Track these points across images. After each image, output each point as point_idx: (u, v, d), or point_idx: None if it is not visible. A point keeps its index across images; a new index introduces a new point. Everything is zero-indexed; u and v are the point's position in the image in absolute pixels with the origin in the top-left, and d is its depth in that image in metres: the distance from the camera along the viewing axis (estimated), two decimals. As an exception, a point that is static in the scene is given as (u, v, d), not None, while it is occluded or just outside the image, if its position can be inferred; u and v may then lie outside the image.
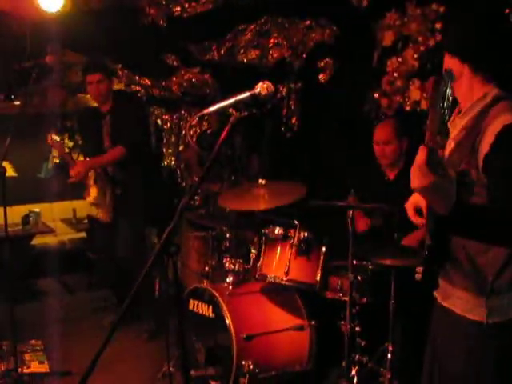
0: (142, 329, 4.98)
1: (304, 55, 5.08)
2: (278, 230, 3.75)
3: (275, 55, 5.11)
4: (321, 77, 5.00)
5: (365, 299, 3.69)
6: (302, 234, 3.65)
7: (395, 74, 4.49)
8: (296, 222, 3.65)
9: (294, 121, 5.24)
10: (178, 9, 4.78)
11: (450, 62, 2.25)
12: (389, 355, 3.54)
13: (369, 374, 3.68)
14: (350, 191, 3.58)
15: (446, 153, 2.31)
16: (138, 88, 5.77)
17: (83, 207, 7.04)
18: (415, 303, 3.62)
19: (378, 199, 3.86)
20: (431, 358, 2.47)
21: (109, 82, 4.75)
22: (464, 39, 2.28)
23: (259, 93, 2.29)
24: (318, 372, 3.92)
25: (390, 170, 4.04)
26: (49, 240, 7.07)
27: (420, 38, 4.32)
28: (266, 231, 3.81)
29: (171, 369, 3.97)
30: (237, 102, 2.32)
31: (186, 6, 4.74)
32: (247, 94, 2.30)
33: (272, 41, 5.08)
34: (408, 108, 4.45)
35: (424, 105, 4.34)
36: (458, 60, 2.22)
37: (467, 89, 2.23)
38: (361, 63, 4.74)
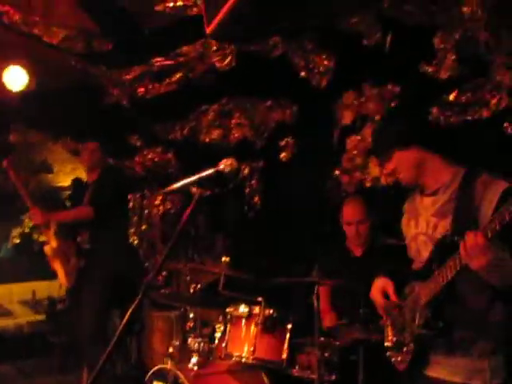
0: None
1: (265, 135, 5.18)
2: (242, 308, 3.69)
3: (237, 135, 5.20)
4: (282, 156, 5.09)
5: (333, 376, 3.64)
6: (266, 311, 3.61)
7: (355, 152, 4.60)
8: (260, 299, 3.62)
9: (256, 200, 5.29)
10: (142, 89, 4.88)
11: (404, 156, 2.36)
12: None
13: None
14: (314, 267, 3.57)
15: (429, 229, 2.36)
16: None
17: (43, 289, 6.88)
18: (385, 377, 3.60)
19: (344, 276, 3.86)
20: None
21: (101, 153, 4.88)
22: (417, 127, 2.44)
23: (223, 169, 2.34)
24: None
25: (357, 248, 4.02)
26: (6, 323, 6.84)
27: (377, 117, 4.46)
28: (231, 309, 3.76)
29: None
30: (201, 179, 2.35)
31: (150, 86, 4.84)
32: (211, 170, 2.34)
33: (234, 121, 5.19)
34: (368, 184, 4.54)
35: (383, 180, 4.44)
36: (417, 149, 2.33)
37: (434, 172, 2.37)
38: (321, 141, 4.85)
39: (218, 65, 4.64)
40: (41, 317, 6.84)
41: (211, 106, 5.12)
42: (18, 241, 7.77)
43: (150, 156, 5.60)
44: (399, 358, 2.40)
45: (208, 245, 5.44)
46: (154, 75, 4.76)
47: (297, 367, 3.68)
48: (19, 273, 7.23)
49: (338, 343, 3.67)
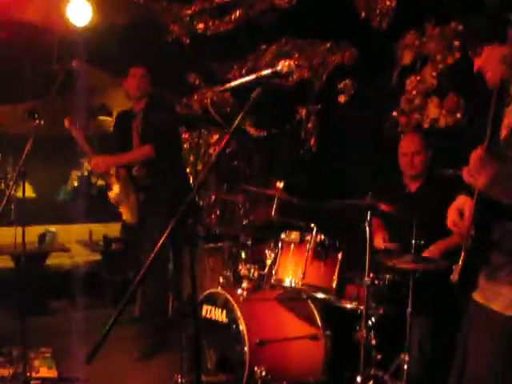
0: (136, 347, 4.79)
1: (324, 77, 5.14)
2: (294, 234, 3.71)
3: (295, 76, 5.17)
4: (340, 98, 5.04)
5: (381, 310, 3.62)
6: (318, 237, 3.62)
7: (414, 92, 4.53)
8: (313, 226, 3.62)
9: (312, 142, 5.27)
10: (201, 26, 4.89)
11: (495, 53, 2.17)
12: (405, 366, 3.45)
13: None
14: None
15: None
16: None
17: (100, 230, 7.06)
18: (434, 311, 3.58)
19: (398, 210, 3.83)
20: (461, 361, 2.38)
21: (149, 79, 4.74)
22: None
23: (281, 70, 2.33)
24: (333, 384, 3.81)
25: (413, 182, 4.01)
26: (64, 261, 7.08)
27: (438, 56, 4.37)
28: (283, 236, 3.78)
29: (183, 380, 3.88)
30: (258, 79, 2.35)
31: (210, 23, 4.86)
32: (269, 70, 2.34)
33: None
34: (426, 126, 4.46)
35: (442, 122, 4.36)
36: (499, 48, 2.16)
37: None
38: (380, 83, 4.78)
39: (277, 2, 4.61)
40: (96, 257, 7.04)
41: (270, 46, 5.10)
42: (76, 184, 7.99)
43: (208, 95, 5.63)
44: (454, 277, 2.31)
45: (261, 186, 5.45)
46: (214, 11, 4.77)
47: (345, 298, 3.70)
48: (77, 215, 7.44)
49: (388, 276, 3.66)
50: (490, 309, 2.18)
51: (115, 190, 4.73)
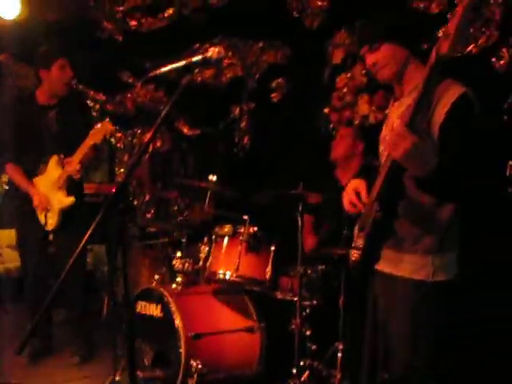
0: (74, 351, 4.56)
1: (257, 76, 5.19)
2: (227, 227, 3.73)
3: (229, 75, 5.21)
4: (273, 96, 5.10)
5: (315, 301, 3.68)
6: (251, 229, 3.65)
7: (344, 90, 4.63)
8: (245, 218, 3.65)
9: (245, 141, 5.30)
10: (134, 23, 4.86)
11: (393, 50, 2.36)
12: (339, 354, 3.52)
13: (320, 378, 3.63)
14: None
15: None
16: (91, 103, 5.70)
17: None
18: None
19: (331, 205, 3.91)
20: (373, 329, 2.50)
21: (72, 72, 4.18)
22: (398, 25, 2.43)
23: (211, 56, 2.35)
24: (269, 375, 3.84)
25: (343, 173, 4.08)
26: (-5, 267, 6.88)
27: (367, 55, 4.48)
28: (216, 229, 3.80)
29: (118, 378, 3.82)
30: (189, 64, 2.37)
31: (143, 20, 4.83)
32: (199, 56, 2.35)
33: (226, 61, 5.18)
34: (357, 122, 4.57)
35: (372, 118, 4.48)
36: (405, 47, 2.36)
37: (411, 75, 2.37)
38: (312, 81, 4.87)
39: (211, 1, 4.64)
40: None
41: (203, 44, 5.11)
42: (6, 187, 7.75)
43: (141, 93, 5.57)
44: (355, 255, 2.39)
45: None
46: (147, 9, 4.75)
47: (280, 290, 3.75)
48: (7, 219, 7.24)
49: (321, 267, 3.73)
50: (399, 276, 2.31)
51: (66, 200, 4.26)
